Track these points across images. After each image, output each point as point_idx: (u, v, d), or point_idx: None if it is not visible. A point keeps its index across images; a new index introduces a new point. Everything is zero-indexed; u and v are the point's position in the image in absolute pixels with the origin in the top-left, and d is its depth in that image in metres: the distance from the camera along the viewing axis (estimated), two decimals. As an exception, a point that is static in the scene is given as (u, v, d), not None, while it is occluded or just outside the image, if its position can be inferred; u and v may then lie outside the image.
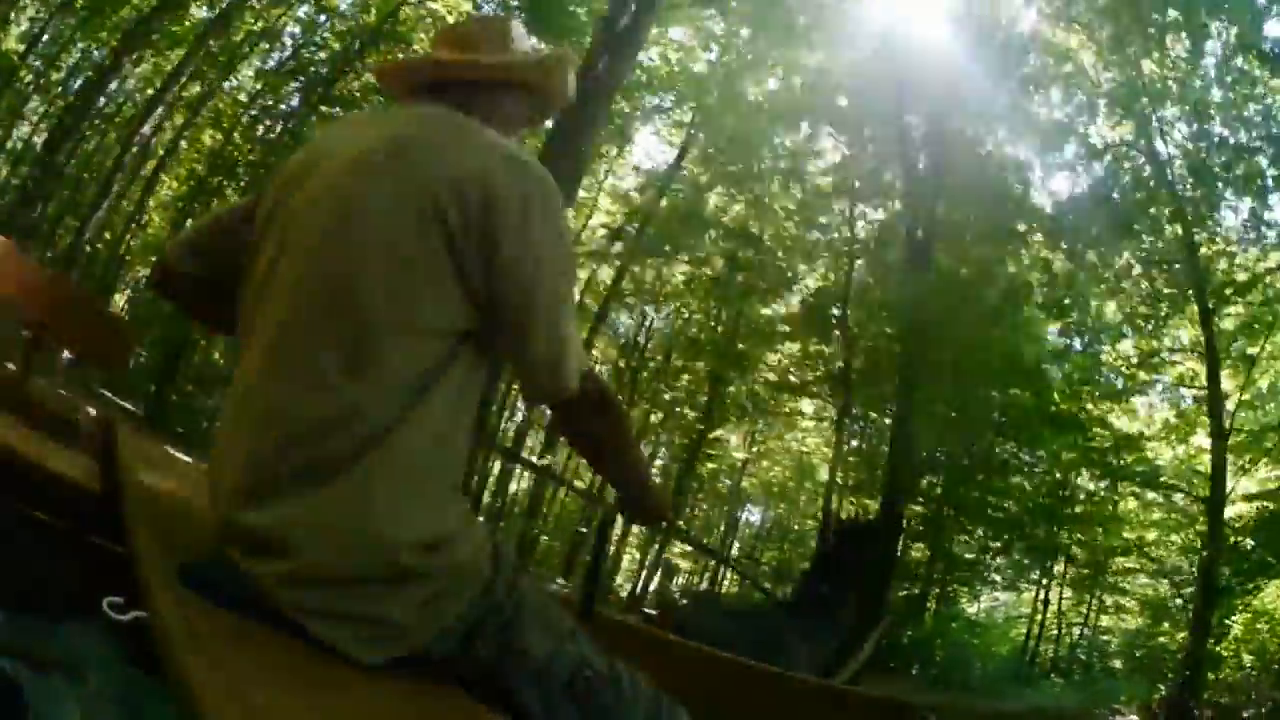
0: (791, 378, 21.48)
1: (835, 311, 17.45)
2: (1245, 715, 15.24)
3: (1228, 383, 16.43)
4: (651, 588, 31.61)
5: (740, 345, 21.63)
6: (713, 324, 23.27)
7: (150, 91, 20.06)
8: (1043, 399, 16.75)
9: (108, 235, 20.70)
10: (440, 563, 1.54)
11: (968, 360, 13.98)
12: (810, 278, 18.59)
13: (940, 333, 13.45)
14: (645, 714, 1.76)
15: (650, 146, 33.35)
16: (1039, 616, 25.88)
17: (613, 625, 2.71)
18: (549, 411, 1.94)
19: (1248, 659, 16.58)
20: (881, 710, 3.02)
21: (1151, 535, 20.81)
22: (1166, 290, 17.98)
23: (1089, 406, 18.51)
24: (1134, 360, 18.61)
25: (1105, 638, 24.74)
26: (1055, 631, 25.51)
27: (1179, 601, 20.80)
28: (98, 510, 1.83)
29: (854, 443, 22.37)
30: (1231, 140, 15.40)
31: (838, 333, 16.56)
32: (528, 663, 1.63)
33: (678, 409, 26.02)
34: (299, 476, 1.47)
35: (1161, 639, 20.73)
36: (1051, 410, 17.42)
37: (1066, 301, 17.53)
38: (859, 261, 17.30)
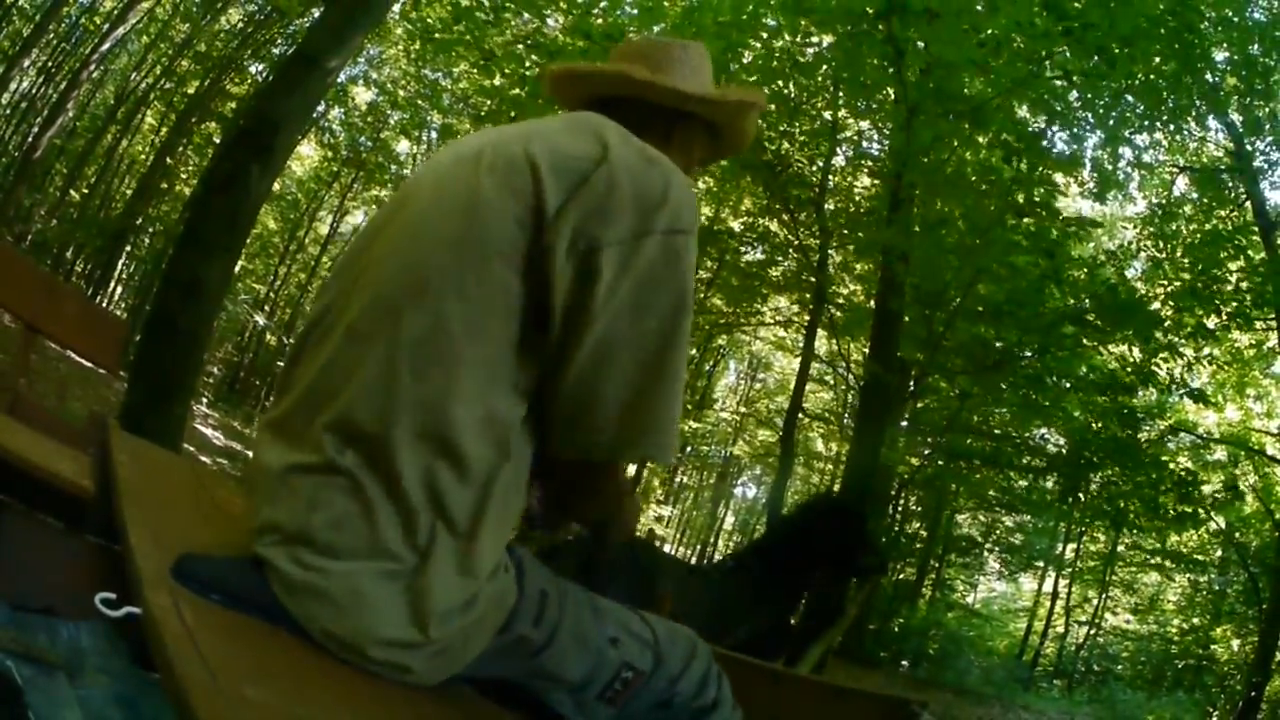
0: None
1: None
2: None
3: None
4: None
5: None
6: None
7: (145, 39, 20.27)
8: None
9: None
10: (463, 622, 1.45)
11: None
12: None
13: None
14: (688, 698, 1.73)
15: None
16: (1041, 610, 25.40)
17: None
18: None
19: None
20: (876, 705, 3.02)
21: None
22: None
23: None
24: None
25: (1118, 640, 23.15)
26: (1060, 629, 24.97)
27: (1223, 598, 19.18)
28: (92, 507, 1.84)
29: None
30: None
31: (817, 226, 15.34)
32: (559, 684, 1.60)
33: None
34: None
35: (1215, 646, 18.83)
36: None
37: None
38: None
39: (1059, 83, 10.50)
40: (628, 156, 1.53)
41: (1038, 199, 10.67)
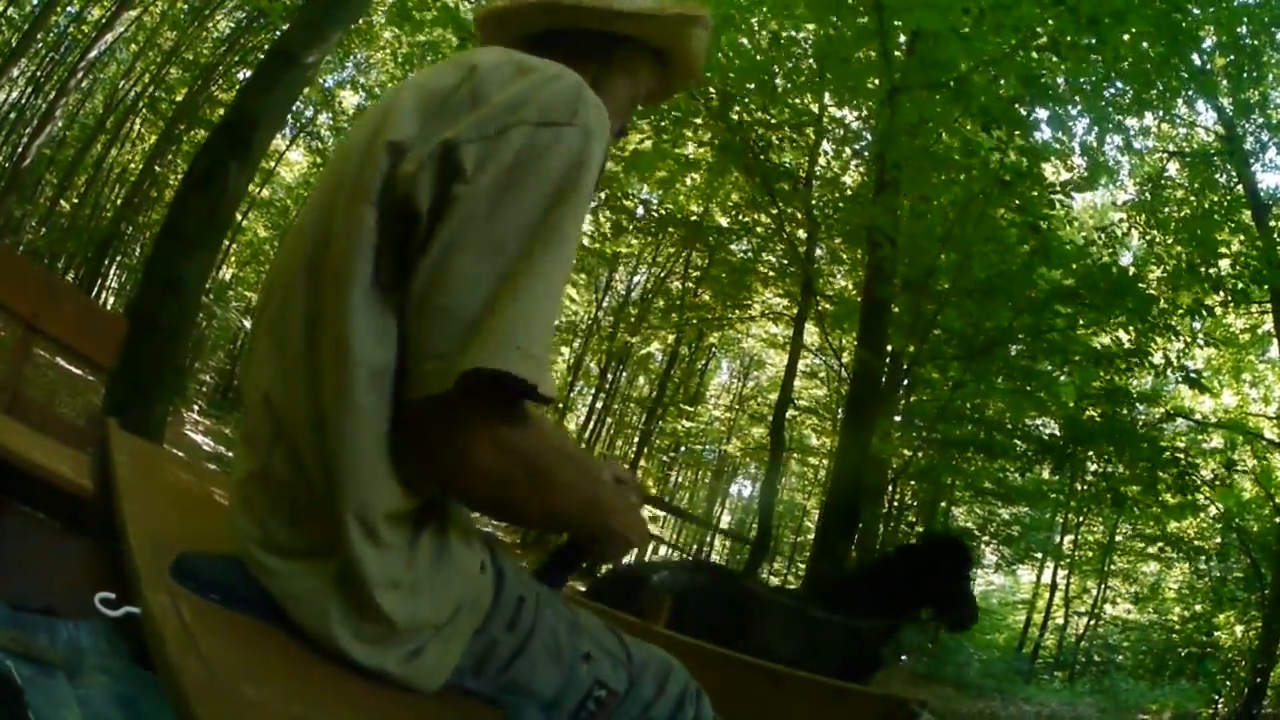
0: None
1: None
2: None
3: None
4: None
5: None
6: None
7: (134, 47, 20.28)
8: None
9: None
10: (426, 610, 1.39)
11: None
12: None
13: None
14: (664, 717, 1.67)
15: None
16: (1040, 602, 25.47)
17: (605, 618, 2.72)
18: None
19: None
20: (876, 705, 3.03)
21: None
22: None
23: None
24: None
25: (1118, 630, 23.13)
26: (1060, 621, 25.05)
27: (1226, 585, 18.98)
28: (91, 506, 1.83)
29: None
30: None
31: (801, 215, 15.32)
32: (533, 698, 1.54)
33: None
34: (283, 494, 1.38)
35: (1218, 633, 18.49)
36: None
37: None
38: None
39: (1048, 55, 10.45)
40: (498, 69, 1.41)
41: (1022, 168, 10.56)
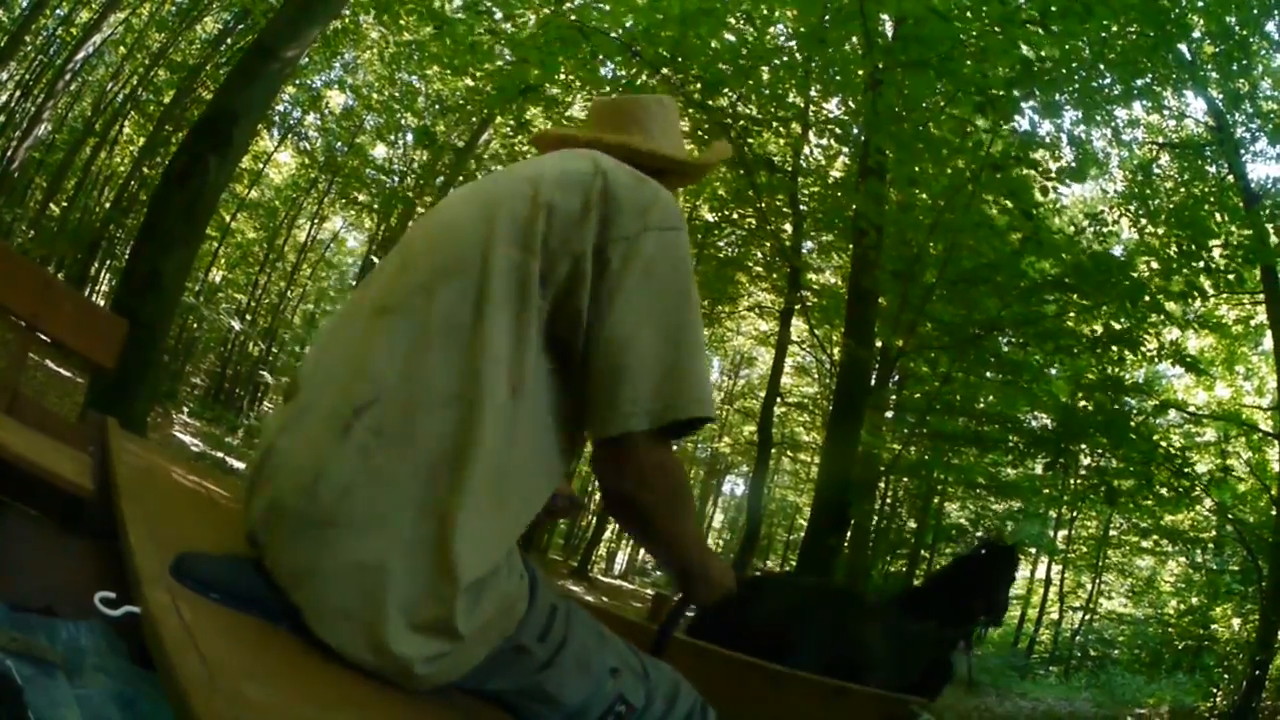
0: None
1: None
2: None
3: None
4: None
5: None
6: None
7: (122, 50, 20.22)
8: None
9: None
10: (470, 611, 1.45)
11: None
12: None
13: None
14: None
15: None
16: (1035, 597, 25.49)
17: (607, 621, 2.72)
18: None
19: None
20: (875, 705, 3.04)
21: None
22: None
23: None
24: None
25: (1113, 624, 23.07)
26: (1055, 616, 25.07)
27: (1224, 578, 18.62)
28: (91, 506, 1.83)
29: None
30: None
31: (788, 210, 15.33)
32: (557, 707, 1.60)
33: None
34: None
35: (1215, 626, 18.30)
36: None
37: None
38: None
39: (1035, 31, 10.38)
40: (618, 174, 1.72)
41: (1013, 152, 10.48)
